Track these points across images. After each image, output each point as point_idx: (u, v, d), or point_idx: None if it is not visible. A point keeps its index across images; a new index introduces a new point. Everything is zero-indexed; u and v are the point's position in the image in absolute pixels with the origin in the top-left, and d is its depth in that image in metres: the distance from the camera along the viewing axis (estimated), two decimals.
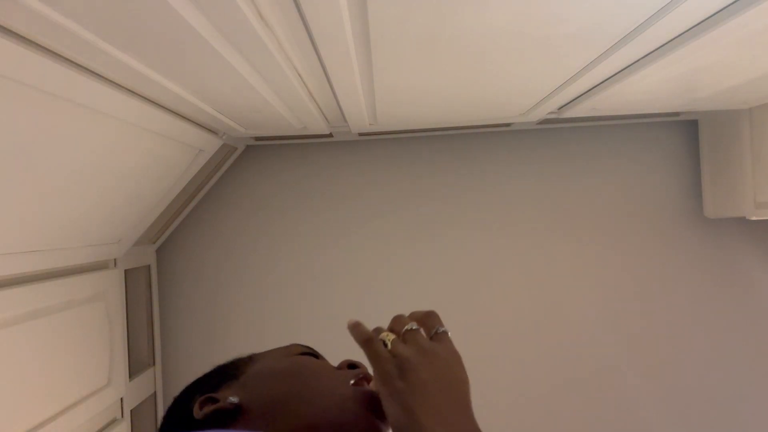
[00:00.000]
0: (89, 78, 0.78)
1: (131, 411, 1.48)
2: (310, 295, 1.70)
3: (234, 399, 0.55)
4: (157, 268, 1.68)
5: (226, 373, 0.62)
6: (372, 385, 0.60)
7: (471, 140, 1.70)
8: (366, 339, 0.54)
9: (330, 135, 1.59)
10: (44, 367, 1.09)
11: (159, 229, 1.63)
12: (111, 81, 0.84)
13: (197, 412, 0.55)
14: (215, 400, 0.56)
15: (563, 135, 1.70)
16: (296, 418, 0.53)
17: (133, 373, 1.52)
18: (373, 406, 0.55)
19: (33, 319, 1.05)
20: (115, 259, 1.43)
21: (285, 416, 0.53)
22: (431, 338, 0.55)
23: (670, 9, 0.70)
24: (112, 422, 1.38)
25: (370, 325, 0.60)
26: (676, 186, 1.71)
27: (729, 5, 0.72)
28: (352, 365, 0.63)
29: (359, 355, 0.58)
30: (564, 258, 1.70)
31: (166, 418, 0.61)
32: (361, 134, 1.63)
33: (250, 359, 0.65)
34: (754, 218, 1.45)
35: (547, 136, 1.70)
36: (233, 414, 0.54)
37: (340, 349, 1.86)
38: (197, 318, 1.70)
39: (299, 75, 0.94)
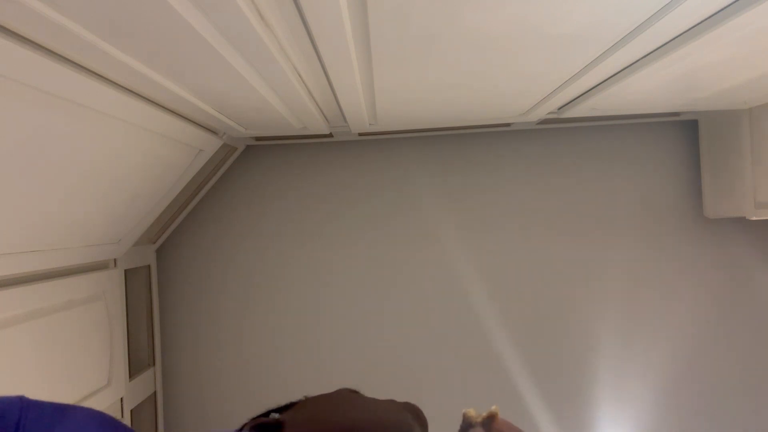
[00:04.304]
0: (89, 78, 0.78)
1: (131, 411, 1.48)
2: (310, 293, 1.70)
3: (275, 415, 0.60)
4: (157, 268, 1.68)
5: (290, 403, 0.67)
6: None
7: (471, 140, 1.70)
8: None
9: (330, 135, 1.60)
10: (44, 366, 1.09)
11: (159, 229, 1.63)
12: (111, 81, 0.84)
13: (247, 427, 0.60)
14: (266, 416, 0.62)
15: (563, 135, 1.70)
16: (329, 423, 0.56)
17: (133, 373, 1.52)
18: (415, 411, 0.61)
19: (33, 319, 1.05)
20: (115, 259, 1.43)
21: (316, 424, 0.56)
22: None
23: (670, 9, 0.70)
24: None
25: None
26: (676, 186, 1.71)
27: (729, 5, 0.72)
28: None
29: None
30: (563, 257, 1.70)
31: None
32: (361, 134, 1.63)
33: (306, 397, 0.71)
34: (754, 218, 1.45)
35: (547, 136, 1.70)
36: (276, 428, 0.59)
37: (339, 347, 1.87)
38: (197, 318, 1.70)
39: (299, 75, 0.94)
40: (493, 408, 0.68)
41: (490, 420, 0.67)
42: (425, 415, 0.66)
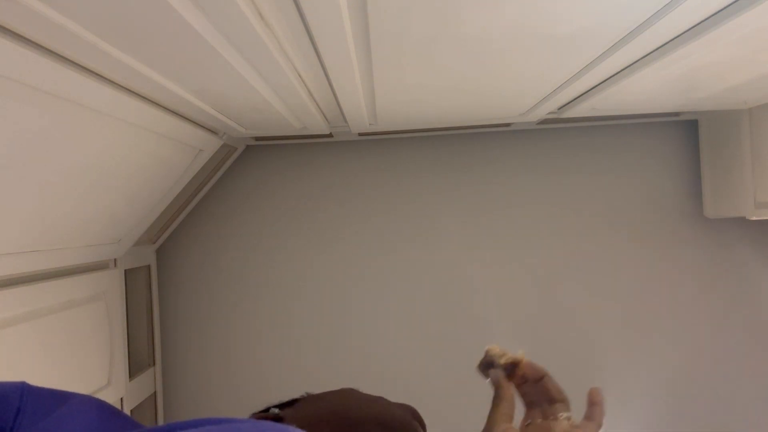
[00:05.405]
0: (89, 78, 0.78)
1: (131, 411, 1.48)
2: (310, 294, 1.70)
3: (275, 410, 0.61)
4: (157, 268, 1.68)
5: (293, 400, 0.67)
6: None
7: (471, 140, 1.70)
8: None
9: (330, 135, 1.59)
10: (44, 367, 1.09)
11: (159, 229, 1.63)
12: (111, 81, 0.84)
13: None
14: (267, 411, 0.62)
15: (563, 135, 1.70)
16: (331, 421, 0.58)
17: (133, 373, 1.52)
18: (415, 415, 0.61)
19: (33, 319, 1.05)
20: (115, 259, 1.43)
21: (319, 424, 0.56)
22: None
23: (670, 9, 0.70)
24: None
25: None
26: (676, 186, 1.71)
27: (729, 5, 0.72)
28: None
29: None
30: (563, 257, 1.70)
31: None
32: (361, 134, 1.63)
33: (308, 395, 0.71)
34: (754, 218, 1.45)
35: (547, 136, 1.70)
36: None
37: (341, 347, 1.87)
38: (197, 318, 1.70)
39: (299, 75, 0.94)
40: (519, 354, 0.63)
41: (514, 366, 0.62)
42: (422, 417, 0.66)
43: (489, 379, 0.62)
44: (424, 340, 1.69)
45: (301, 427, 0.54)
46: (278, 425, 0.42)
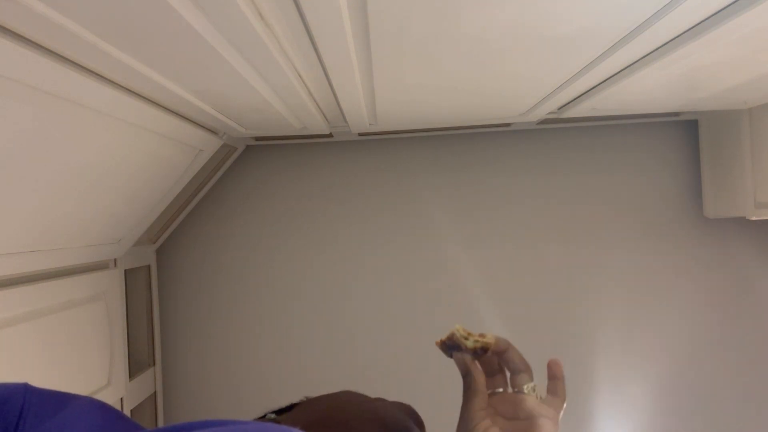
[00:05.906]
0: (89, 78, 0.78)
1: (131, 411, 1.48)
2: (309, 294, 1.70)
3: (272, 416, 0.61)
4: (157, 268, 1.68)
5: (291, 405, 0.67)
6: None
7: (471, 140, 1.70)
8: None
9: (330, 135, 1.60)
10: (44, 367, 1.09)
11: (159, 229, 1.63)
12: (111, 81, 0.84)
13: None
14: (263, 417, 0.63)
15: (563, 135, 1.70)
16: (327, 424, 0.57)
17: (133, 373, 1.52)
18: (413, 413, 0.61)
19: (33, 319, 1.05)
20: (115, 259, 1.43)
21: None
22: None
23: (670, 9, 0.70)
24: None
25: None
26: (676, 186, 1.71)
27: (729, 5, 0.72)
28: None
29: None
30: (563, 257, 1.70)
31: None
32: (361, 134, 1.63)
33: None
34: (754, 218, 1.45)
35: (547, 136, 1.70)
36: None
37: (341, 347, 1.86)
38: (197, 318, 1.70)
39: (299, 75, 0.94)
40: (488, 337, 0.57)
41: (483, 351, 0.56)
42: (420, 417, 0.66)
43: (453, 360, 0.58)
44: (424, 339, 1.69)
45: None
46: (282, 426, 0.42)
